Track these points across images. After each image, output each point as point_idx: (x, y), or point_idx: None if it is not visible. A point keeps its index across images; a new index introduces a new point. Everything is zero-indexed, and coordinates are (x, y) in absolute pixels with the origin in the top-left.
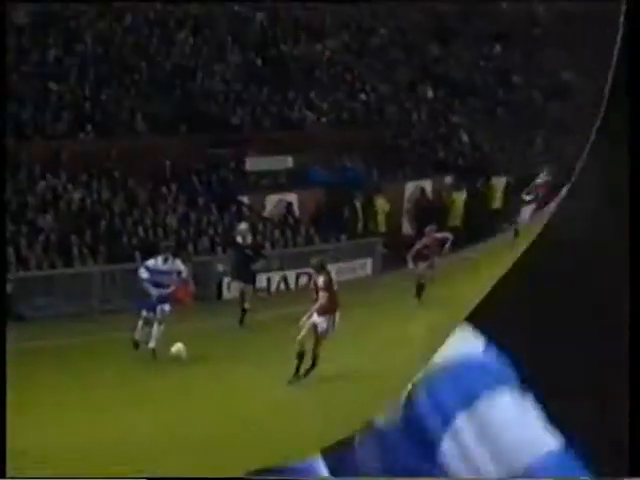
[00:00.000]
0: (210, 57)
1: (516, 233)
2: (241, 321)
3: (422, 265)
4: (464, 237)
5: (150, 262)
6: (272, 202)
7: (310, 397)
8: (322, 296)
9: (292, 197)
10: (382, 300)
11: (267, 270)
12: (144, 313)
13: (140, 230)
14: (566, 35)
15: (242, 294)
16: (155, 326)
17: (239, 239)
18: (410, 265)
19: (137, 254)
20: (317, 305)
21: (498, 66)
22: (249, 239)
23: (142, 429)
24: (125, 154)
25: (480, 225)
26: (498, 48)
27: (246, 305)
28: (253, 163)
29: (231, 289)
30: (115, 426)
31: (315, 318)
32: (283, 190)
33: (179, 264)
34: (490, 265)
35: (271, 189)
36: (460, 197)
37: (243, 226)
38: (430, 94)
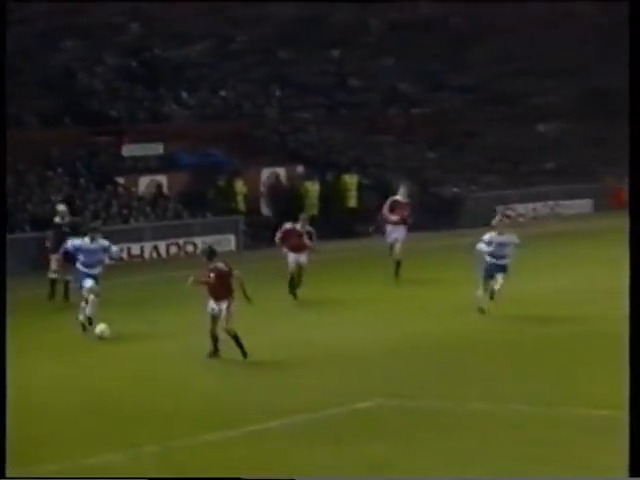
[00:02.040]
0: (92, 60)
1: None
2: (66, 295)
3: (293, 255)
4: (322, 228)
5: (77, 241)
6: (144, 183)
7: None
8: (215, 281)
9: (162, 178)
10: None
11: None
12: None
13: (29, 206)
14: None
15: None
16: (90, 298)
17: (57, 219)
18: (278, 242)
19: (27, 226)
20: (213, 291)
21: (337, 70)
22: (67, 219)
23: None
24: (17, 143)
25: (337, 220)
26: (337, 54)
27: (53, 274)
28: (128, 150)
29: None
30: None
31: (212, 304)
32: (154, 172)
33: (104, 241)
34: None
35: (144, 172)
36: (313, 187)
37: (61, 207)
38: (278, 92)
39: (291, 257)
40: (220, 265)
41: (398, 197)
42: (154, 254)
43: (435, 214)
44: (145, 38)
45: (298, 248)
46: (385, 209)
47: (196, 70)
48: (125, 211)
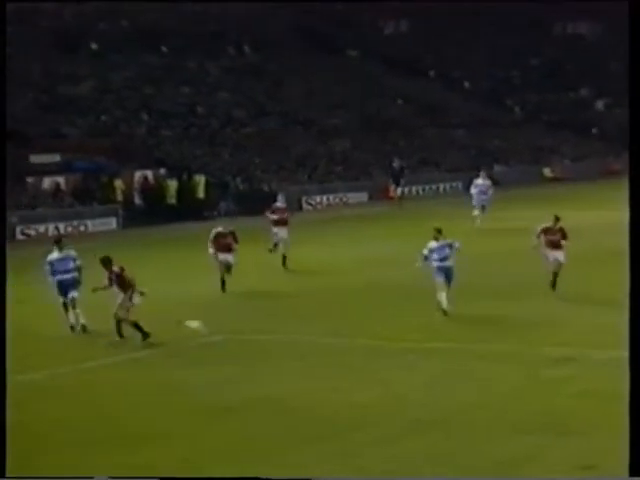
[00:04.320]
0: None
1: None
2: None
3: (222, 255)
4: (180, 214)
5: (49, 257)
6: (47, 182)
7: None
8: (117, 281)
9: (60, 179)
10: None
11: None
12: (61, 300)
13: None
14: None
15: None
16: (72, 311)
17: None
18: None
19: None
20: (118, 286)
21: (188, 101)
22: None
23: None
24: None
25: (190, 208)
26: (187, 90)
27: None
28: (35, 158)
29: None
30: None
31: (123, 296)
32: (54, 174)
33: (72, 252)
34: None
35: (46, 174)
36: (172, 184)
37: None
38: (146, 117)
39: (221, 256)
40: (116, 269)
41: (278, 204)
42: (55, 232)
43: (257, 203)
44: (47, 78)
45: (227, 248)
46: (268, 213)
47: (85, 102)
48: (33, 201)
